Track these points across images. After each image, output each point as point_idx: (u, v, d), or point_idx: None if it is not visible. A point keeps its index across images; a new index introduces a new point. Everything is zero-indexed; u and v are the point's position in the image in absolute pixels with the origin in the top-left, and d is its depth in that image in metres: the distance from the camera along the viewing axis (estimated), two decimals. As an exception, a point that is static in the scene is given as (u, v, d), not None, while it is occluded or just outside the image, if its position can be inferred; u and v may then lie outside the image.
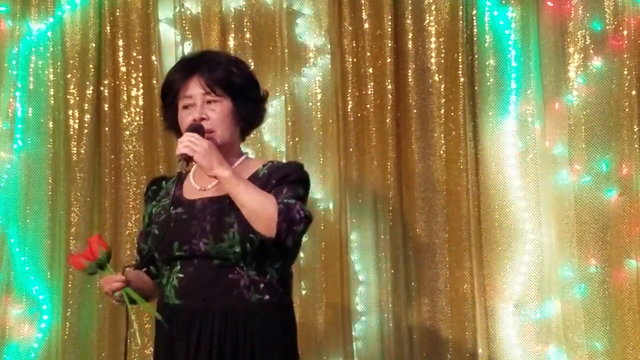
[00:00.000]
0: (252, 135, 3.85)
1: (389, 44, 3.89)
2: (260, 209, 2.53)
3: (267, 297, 2.63)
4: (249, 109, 2.75)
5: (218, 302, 2.60)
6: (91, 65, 4.06)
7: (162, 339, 2.68)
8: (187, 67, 2.73)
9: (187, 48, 3.99)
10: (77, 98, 4.07)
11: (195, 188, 2.72)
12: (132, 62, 4.05)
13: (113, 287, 2.60)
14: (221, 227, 2.59)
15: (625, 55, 3.76)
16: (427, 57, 3.92)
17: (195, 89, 2.69)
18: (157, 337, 2.73)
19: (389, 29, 3.89)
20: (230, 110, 2.70)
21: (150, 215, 2.76)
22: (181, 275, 2.63)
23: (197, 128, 2.63)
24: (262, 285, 2.62)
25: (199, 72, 2.69)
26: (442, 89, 3.90)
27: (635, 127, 3.75)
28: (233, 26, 4.00)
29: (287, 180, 2.65)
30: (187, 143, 2.56)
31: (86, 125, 4.06)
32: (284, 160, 3.86)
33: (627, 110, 3.75)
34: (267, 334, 2.61)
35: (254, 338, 2.59)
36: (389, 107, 3.88)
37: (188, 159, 2.57)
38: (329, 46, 3.95)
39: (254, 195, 2.56)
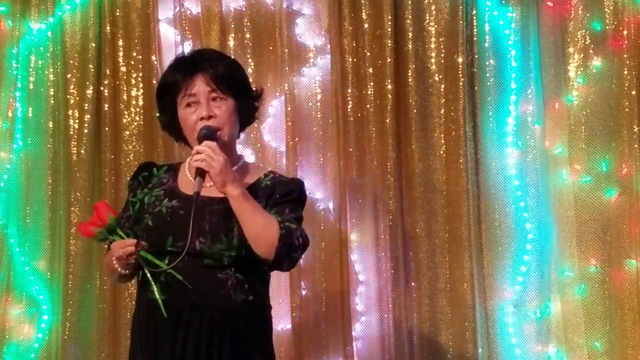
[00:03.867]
0: (252, 135, 3.88)
1: (389, 44, 3.89)
2: (263, 233, 2.54)
3: (251, 297, 2.64)
4: (249, 107, 2.76)
5: (205, 301, 2.59)
6: (91, 65, 4.06)
7: (146, 335, 2.65)
8: (188, 65, 2.71)
9: (187, 48, 3.98)
10: (77, 98, 4.06)
11: (191, 182, 2.68)
12: (132, 62, 4.04)
13: (127, 251, 2.56)
14: (221, 229, 2.59)
15: (625, 55, 3.77)
16: (427, 57, 3.92)
17: (200, 87, 2.67)
18: (135, 333, 2.69)
19: (389, 29, 3.89)
20: (234, 108, 2.70)
21: (142, 202, 2.73)
22: (169, 271, 2.62)
23: (210, 135, 2.60)
24: (246, 285, 2.63)
25: (202, 69, 2.68)
26: (442, 89, 3.90)
27: (635, 127, 3.75)
28: (233, 26, 3.99)
29: (289, 198, 2.67)
30: (204, 157, 2.53)
31: (86, 125, 4.05)
32: (284, 161, 3.87)
33: (627, 110, 3.75)
34: (250, 333, 2.63)
35: (238, 337, 2.60)
36: (389, 107, 3.88)
37: (203, 174, 2.56)
38: (329, 46, 3.95)
39: (259, 218, 2.56)
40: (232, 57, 2.94)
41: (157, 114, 2.85)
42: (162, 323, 2.61)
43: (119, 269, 2.66)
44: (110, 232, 2.66)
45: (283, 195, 2.66)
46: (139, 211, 2.72)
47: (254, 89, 2.81)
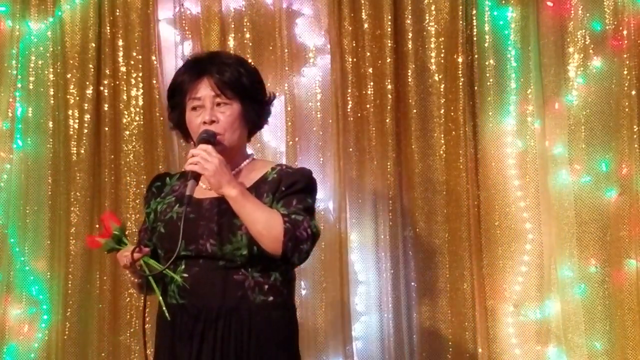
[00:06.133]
0: (252, 135, 3.87)
1: (389, 44, 3.89)
2: (267, 230, 2.53)
3: (271, 298, 2.63)
4: (256, 111, 2.75)
5: (222, 303, 2.59)
6: (91, 65, 4.06)
7: (164, 339, 2.68)
8: (196, 68, 2.71)
9: (187, 48, 3.99)
10: (77, 98, 4.07)
11: (201, 186, 2.68)
12: (132, 62, 4.05)
13: (128, 259, 2.57)
14: (229, 228, 2.59)
15: (625, 55, 3.77)
16: (427, 57, 3.93)
17: (205, 91, 2.67)
18: (158, 337, 2.72)
19: (389, 29, 3.89)
20: (240, 113, 2.69)
21: (156, 211, 2.75)
22: (185, 275, 2.63)
23: (208, 139, 2.61)
24: (266, 286, 2.62)
25: (209, 73, 2.68)
26: (442, 89, 3.90)
27: (635, 127, 3.75)
28: (233, 26, 3.99)
29: (296, 188, 2.64)
30: (198, 159, 2.54)
31: (86, 125, 4.06)
32: (284, 160, 3.87)
33: (627, 110, 3.75)
34: (271, 335, 2.62)
35: (258, 339, 2.59)
36: (389, 107, 3.88)
37: (197, 177, 2.57)
38: (329, 46, 3.95)
39: (261, 215, 2.55)
40: (244, 58, 2.90)
41: (168, 114, 2.84)
42: (180, 327, 2.62)
43: (131, 278, 2.69)
44: (118, 242, 2.66)
45: (289, 187, 2.64)
46: (154, 221, 2.74)
47: (267, 93, 2.80)
